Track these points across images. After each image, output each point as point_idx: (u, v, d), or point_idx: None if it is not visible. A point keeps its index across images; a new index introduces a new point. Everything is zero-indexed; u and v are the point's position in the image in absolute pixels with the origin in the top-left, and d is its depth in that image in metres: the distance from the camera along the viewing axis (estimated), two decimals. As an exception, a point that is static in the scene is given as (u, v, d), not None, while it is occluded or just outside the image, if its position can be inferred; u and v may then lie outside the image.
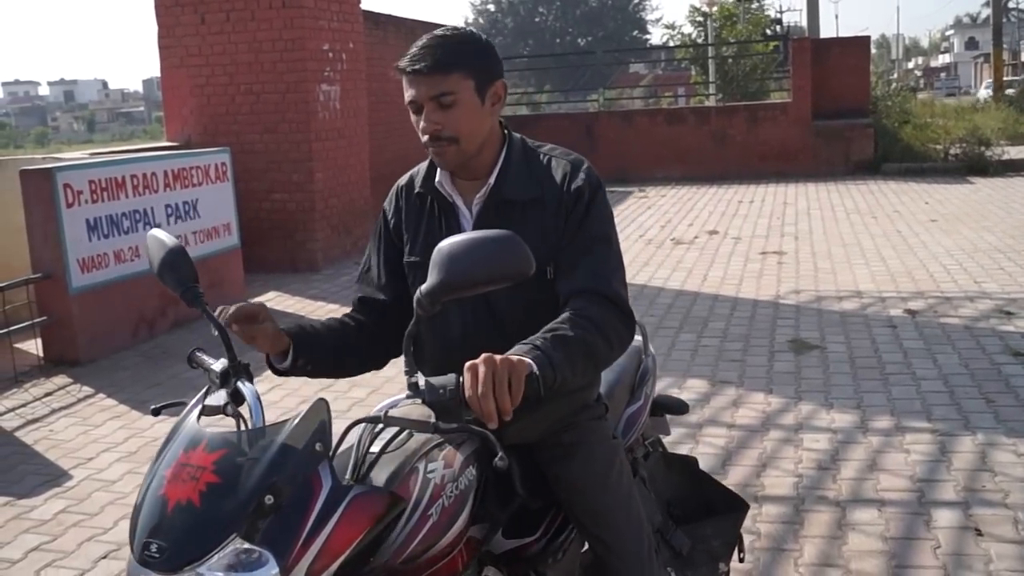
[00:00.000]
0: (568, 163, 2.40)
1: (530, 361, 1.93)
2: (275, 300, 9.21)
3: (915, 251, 10.09)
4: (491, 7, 70.52)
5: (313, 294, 9.26)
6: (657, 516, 2.86)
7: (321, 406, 1.89)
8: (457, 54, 2.25)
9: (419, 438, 2.08)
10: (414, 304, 1.89)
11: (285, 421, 1.86)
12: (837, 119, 17.87)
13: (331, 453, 1.88)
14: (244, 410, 2.09)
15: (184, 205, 8.44)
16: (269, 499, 1.75)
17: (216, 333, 2.17)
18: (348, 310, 2.56)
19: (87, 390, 6.55)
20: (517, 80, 29.98)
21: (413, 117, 2.31)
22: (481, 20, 68.39)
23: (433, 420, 1.90)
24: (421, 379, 1.89)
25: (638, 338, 2.83)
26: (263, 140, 10.52)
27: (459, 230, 2.35)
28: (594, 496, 2.45)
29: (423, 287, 1.88)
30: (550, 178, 2.37)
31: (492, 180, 2.36)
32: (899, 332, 6.99)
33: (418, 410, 1.97)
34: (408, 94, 2.27)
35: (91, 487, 4.96)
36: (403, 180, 2.56)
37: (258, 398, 2.09)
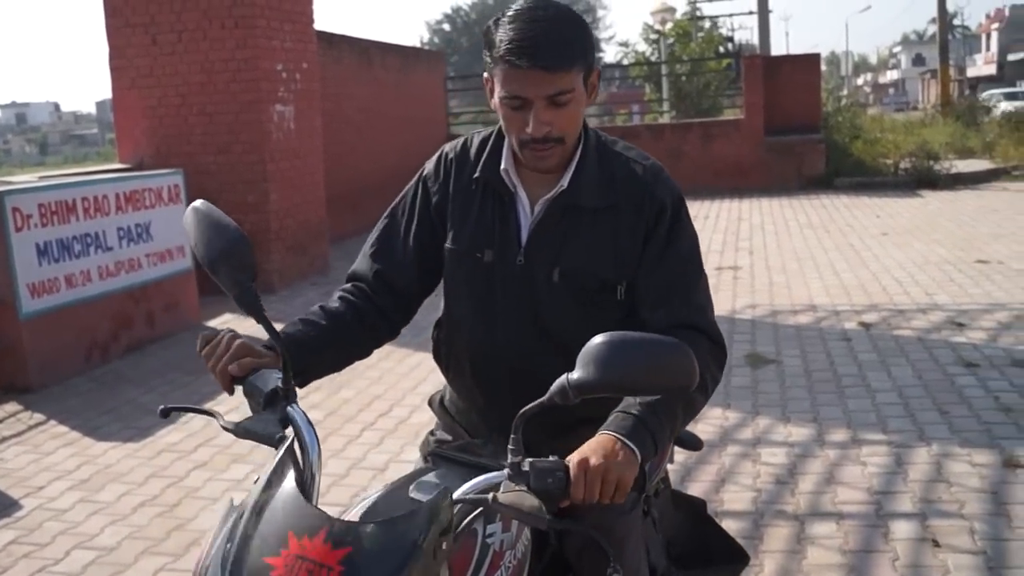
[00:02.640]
0: (646, 168, 2.19)
1: (637, 454, 1.81)
2: (231, 323, 9.12)
3: (868, 264, 10.20)
4: (446, 27, 70.72)
5: (270, 316, 9.15)
6: (662, 561, 2.75)
7: (447, 495, 1.61)
8: (576, 45, 1.99)
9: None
10: (554, 393, 1.68)
11: (413, 513, 1.56)
12: (789, 135, 18.06)
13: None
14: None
15: (136, 228, 8.32)
16: None
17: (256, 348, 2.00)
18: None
19: (38, 417, 6.42)
20: (472, 99, 29.97)
21: (506, 111, 2.04)
22: (436, 39, 68.49)
23: (542, 511, 1.68)
24: (526, 462, 1.70)
25: None
26: (217, 161, 10.40)
27: (515, 224, 2.18)
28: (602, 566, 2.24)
29: (572, 378, 1.67)
30: (628, 184, 2.16)
31: (566, 182, 2.13)
32: (853, 345, 7.06)
33: (518, 494, 1.71)
34: (511, 88, 1.98)
35: (42, 517, 4.84)
36: (453, 150, 2.28)
37: (312, 427, 1.87)
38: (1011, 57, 61.89)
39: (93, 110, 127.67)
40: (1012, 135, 20.89)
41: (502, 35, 1.98)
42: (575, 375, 1.67)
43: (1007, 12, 67.47)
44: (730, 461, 5.03)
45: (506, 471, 1.70)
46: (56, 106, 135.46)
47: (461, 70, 52.16)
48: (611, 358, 1.66)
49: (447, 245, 2.24)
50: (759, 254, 11.32)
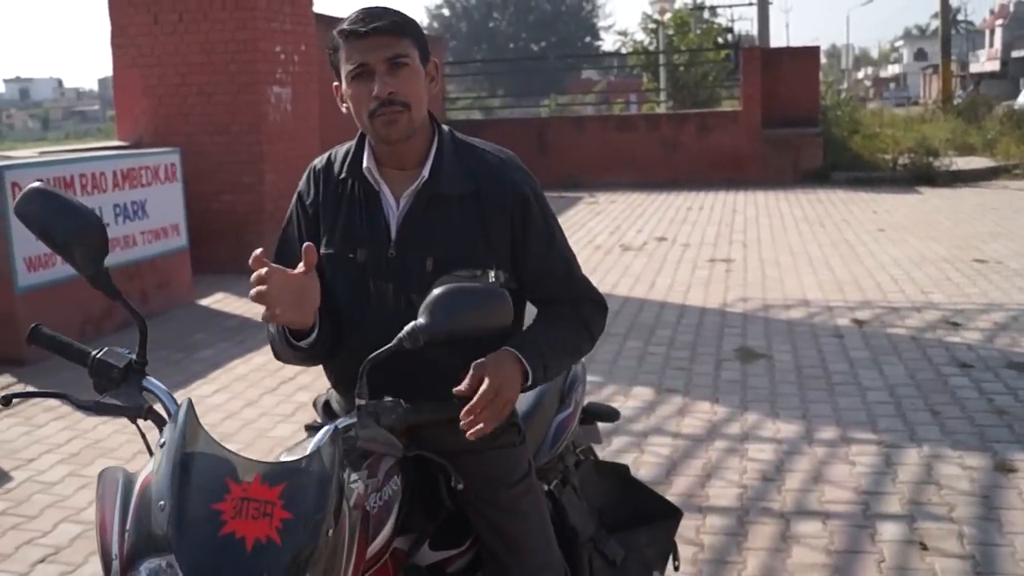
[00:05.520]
0: (503, 161, 2.35)
1: (528, 370, 2.14)
2: (223, 302, 9.14)
3: (863, 260, 10.18)
4: (445, 12, 70.44)
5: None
6: (590, 526, 2.82)
7: (336, 433, 1.87)
8: (406, 20, 2.22)
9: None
10: (404, 337, 1.95)
11: (316, 451, 1.81)
12: (787, 128, 18.02)
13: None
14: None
15: (132, 205, 8.36)
16: (330, 531, 1.73)
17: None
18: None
19: (31, 390, 6.40)
20: (470, 84, 29.93)
21: (354, 88, 2.20)
22: (436, 24, 68.25)
23: (395, 444, 2.04)
24: (371, 404, 2.00)
25: None
26: (214, 141, 10.42)
27: (383, 221, 2.27)
28: (505, 525, 2.38)
29: (420, 324, 1.94)
30: (486, 174, 2.30)
31: (426, 173, 2.25)
32: (846, 342, 7.04)
33: (375, 431, 2.03)
34: (355, 59, 2.17)
35: (31, 489, 4.89)
36: (319, 163, 2.41)
37: (171, 395, 2.01)
38: (1015, 54, 61.76)
39: (95, 87, 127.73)
40: (1013, 133, 20.77)
41: (343, 23, 2.20)
42: (422, 321, 1.94)
43: (1012, 8, 67.34)
44: (716, 456, 5.02)
45: (355, 414, 1.98)
46: (59, 82, 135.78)
47: (459, 55, 52.12)
48: (450, 305, 1.94)
49: (322, 251, 2.28)
50: (753, 247, 11.30)
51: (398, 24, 2.18)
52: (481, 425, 2.00)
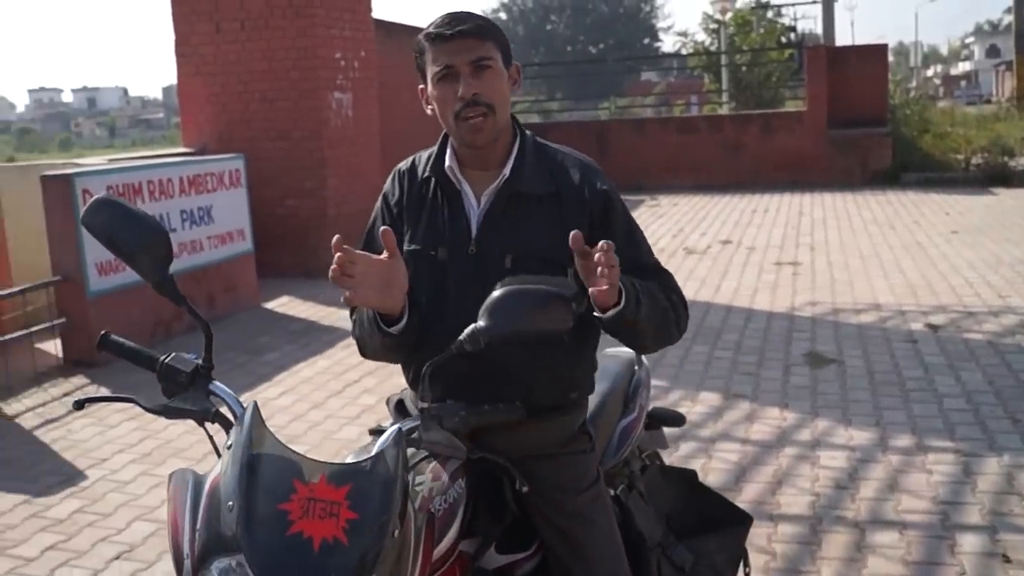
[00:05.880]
0: (583, 163, 2.41)
1: (622, 288, 2.07)
2: (287, 305, 9.19)
3: (936, 264, 9.92)
4: (502, 15, 70.52)
5: (325, 299, 9.20)
6: (657, 531, 2.81)
7: (399, 435, 1.89)
8: (489, 24, 2.31)
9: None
10: (464, 340, 1.96)
11: (381, 454, 1.83)
12: (854, 128, 17.69)
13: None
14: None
15: (199, 211, 8.50)
16: (396, 532, 1.75)
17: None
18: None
19: (104, 391, 6.52)
20: (528, 88, 29.94)
21: (439, 90, 2.28)
22: (495, 27, 68.46)
23: (459, 446, 2.07)
24: (433, 407, 2.05)
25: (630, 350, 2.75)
26: (276, 147, 10.58)
27: (464, 219, 2.34)
28: (572, 531, 2.37)
29: (476, 327, 1.96)
30: (566, 175, 2.37)
31: (507, 171, 2.33)
32: (920, 347, 6.87)
33: (438, 434, 2.08)
34: (441, 61, 2.25)
35: (105, 487, 5.01)
36: (404, 165, 2.50)
37: (237, 399, 2.05)
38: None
39: (160, 95, 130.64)
40: (1094, 131, 20.15)
41: (429, 27, 2.28)
42: (482, 323, 1.95)
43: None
44: (787, 463, 4.92)
45: (419, 417, 2.05)
46: (125, 91, 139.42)
47: (517, 59, 52.14)
48: (510, 307, 1.95)
49: (405, 248, 2.34)
50: (820, 250, 11.09)
51: (482, 27, 2.27)
52: (608, 280, 1.98)
